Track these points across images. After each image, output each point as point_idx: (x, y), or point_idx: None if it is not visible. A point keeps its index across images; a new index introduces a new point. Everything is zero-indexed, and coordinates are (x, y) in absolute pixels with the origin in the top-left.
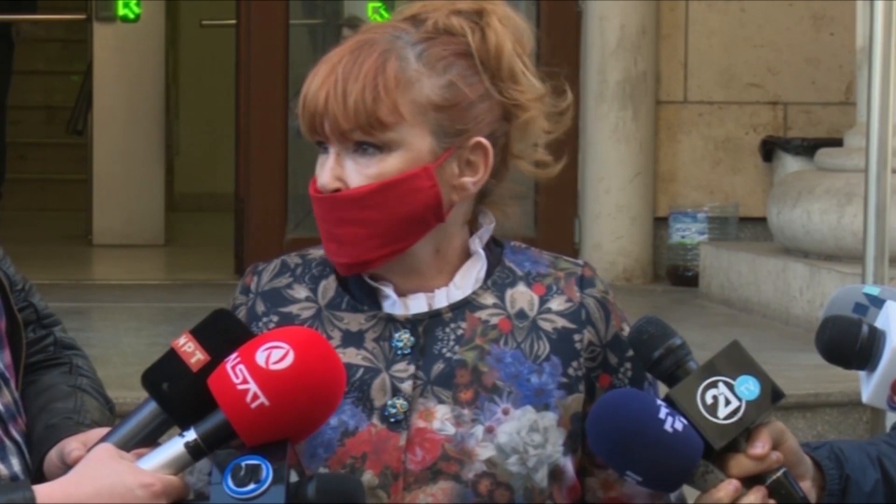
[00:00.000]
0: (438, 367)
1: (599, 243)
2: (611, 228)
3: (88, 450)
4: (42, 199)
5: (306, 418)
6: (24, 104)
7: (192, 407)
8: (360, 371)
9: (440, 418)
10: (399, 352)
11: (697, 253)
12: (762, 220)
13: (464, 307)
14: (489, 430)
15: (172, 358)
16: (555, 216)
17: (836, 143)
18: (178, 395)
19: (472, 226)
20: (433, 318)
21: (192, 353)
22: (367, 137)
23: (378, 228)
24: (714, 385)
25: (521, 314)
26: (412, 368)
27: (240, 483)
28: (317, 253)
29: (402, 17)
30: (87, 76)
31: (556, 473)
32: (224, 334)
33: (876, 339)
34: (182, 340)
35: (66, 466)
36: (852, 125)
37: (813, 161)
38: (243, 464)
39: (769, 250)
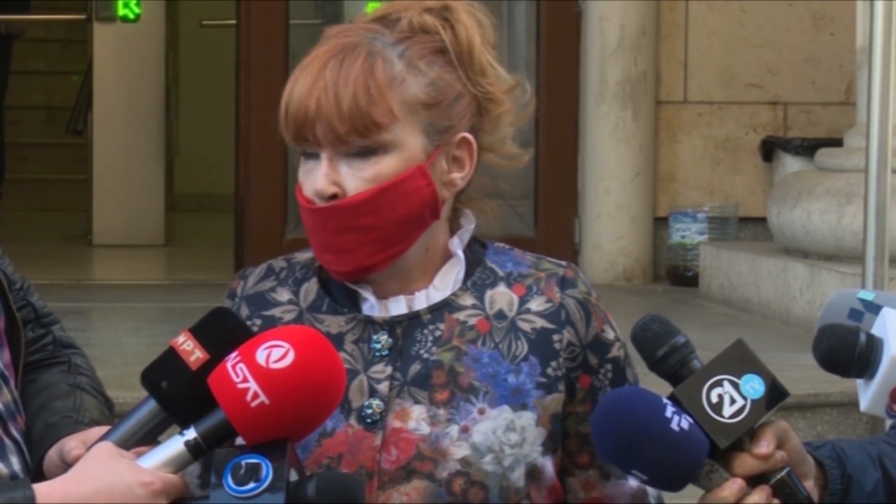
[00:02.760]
0: (415, 368)
1: (599, 243)
2: (611, 228)
3: (88, 448)
4: (42, 199)
5: (306, 417)
6: (24, 104)
7: (192, 405)
8: None
9: (416, 418)
10: (377, 353)
11: (697, 253)
12: (762, 220)
13: (442, 309)
14: (464, 430)
15: (171, 356)
16: (555, 216)
17: (836, 143)
18: (178, 393)
19: (453, 226)
20: (412, 320)
21: (192, 351)
22: (362, 140)
23: (379, 233)
24: (719, 384)
25: (500, 314)
26: (389, 370)
27: (240, 482)
28: (302, 256)
29: (371, 19)
30: (87, 76)
31: (533, 473)
32: (223, 333)
33: (874, 347)
34: (181, 339)
35: (66, 465)
36: (852, 125)
37: (813, 161)
38: (243, 462)
39: (769, 250)
